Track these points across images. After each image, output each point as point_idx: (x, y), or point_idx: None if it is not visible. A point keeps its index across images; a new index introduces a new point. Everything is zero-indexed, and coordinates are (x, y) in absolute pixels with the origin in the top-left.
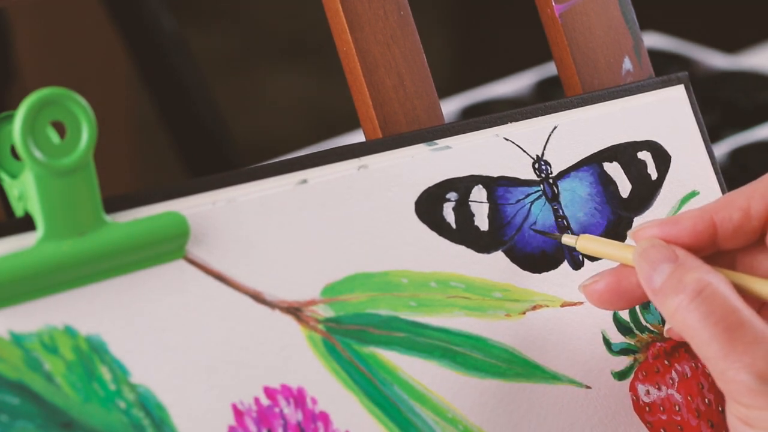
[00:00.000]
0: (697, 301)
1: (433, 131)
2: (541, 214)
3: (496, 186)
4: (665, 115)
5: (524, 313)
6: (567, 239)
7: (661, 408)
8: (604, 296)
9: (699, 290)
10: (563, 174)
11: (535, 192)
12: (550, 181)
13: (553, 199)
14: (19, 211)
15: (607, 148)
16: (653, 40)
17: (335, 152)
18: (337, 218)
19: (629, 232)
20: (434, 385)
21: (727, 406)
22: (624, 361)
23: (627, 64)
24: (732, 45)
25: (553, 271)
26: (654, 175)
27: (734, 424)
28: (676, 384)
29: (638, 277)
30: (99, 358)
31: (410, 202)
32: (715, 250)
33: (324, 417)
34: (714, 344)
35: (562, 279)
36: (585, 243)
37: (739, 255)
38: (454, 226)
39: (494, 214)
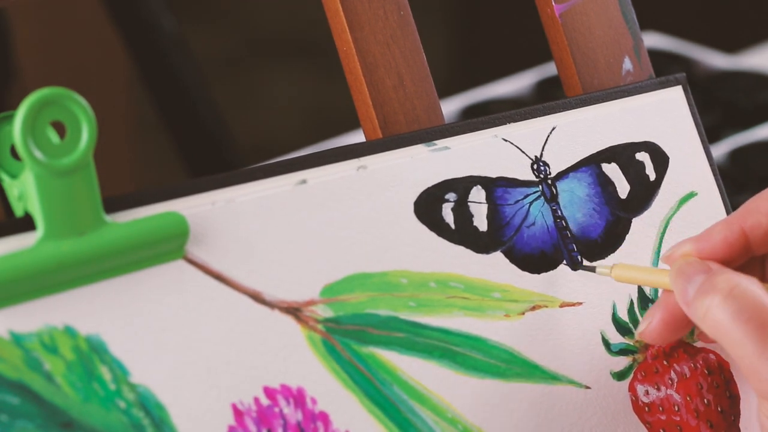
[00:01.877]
0: (729, 300)
1: (432, 132)
2: (539, 214)
3: (495, 187)
4: (663, 116)
5: (523, 313)
6: (601, 270)
7: (660, 408)
8: (663, 332)
9: (729, 289)
10: (562, 175)
11: (534, 192)
12: (549, 181)
13: (552, 199)
14: (19, 211)
15: (606, 149)
16: (653, 40)
17: (334, 152)
18: (336, 218)
19: (662, 257)
20: (434, 385)
21: (759, 406)
22: (623, 362)
23: (627, 64)
24: (732, 45)
25: (552, 272)
26: (652, 176)
27: (766, 424)
28: (675, 384)
29: (675, 296)
30: (99, 358)
31: (409, 203)
32: (749, 257)
33: (324, 417)
34: (747, 343)
35: (561, 279)
36: (620, 272)
37: None
38: (453, 226)
39: (493, 215)
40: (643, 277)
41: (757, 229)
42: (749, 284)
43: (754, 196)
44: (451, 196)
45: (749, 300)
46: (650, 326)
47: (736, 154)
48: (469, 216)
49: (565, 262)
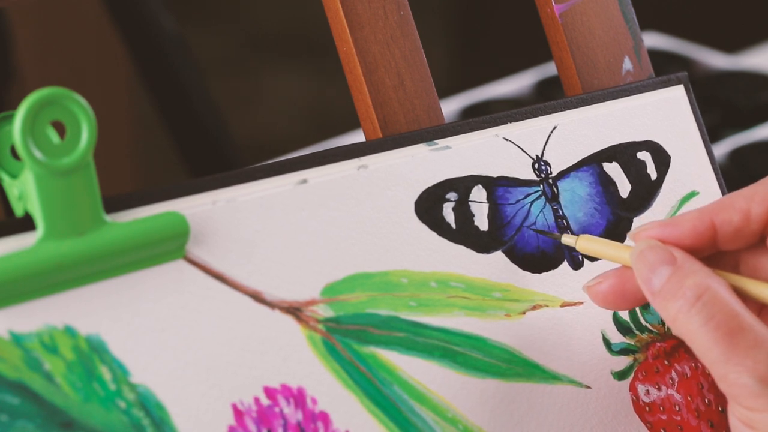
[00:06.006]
0: (698, 306)
1: (433, 131)
2: (540, 214)
3: (496, 186)
4: (665, 116)
5: (524, 313)
6: (567, 239)
7: (661, 408)
8: (608, 297)
9: (699, 295)
10: (563, 174)
11: (535, 192)
12: (550, 181)
13: (553, 199)
14: (19, 211)
15: (607, 149)
16: (653, 40)
17: (335, 152)
18: (336, 218)
19: (629, 234)
20: (434, 385)
21: (729, 408)
22: (624, 361)
23: (627, 64)
24: (732, 45)
25: (552, 271)
26: (653, 176)
27: (736, 425)
28: (675, 384)
29: (636, 279)
30: (99, 358)
31: (410, 202)
32: (716, 251)
33: (324, 417)
34: (715, 349)
35: (561, 279)
36: (584, 243)
37: (743, 255)
38: (453, 226)
39: (494, 214)
40: (607, 251)
41: (727, 225)
42: (718, 288)
43: (733, 192)
44: (452, 195)
45: (718, 306)
46: (599, 287)
47: (736, 154)
48: (470, 215)
49: (566, 261)
